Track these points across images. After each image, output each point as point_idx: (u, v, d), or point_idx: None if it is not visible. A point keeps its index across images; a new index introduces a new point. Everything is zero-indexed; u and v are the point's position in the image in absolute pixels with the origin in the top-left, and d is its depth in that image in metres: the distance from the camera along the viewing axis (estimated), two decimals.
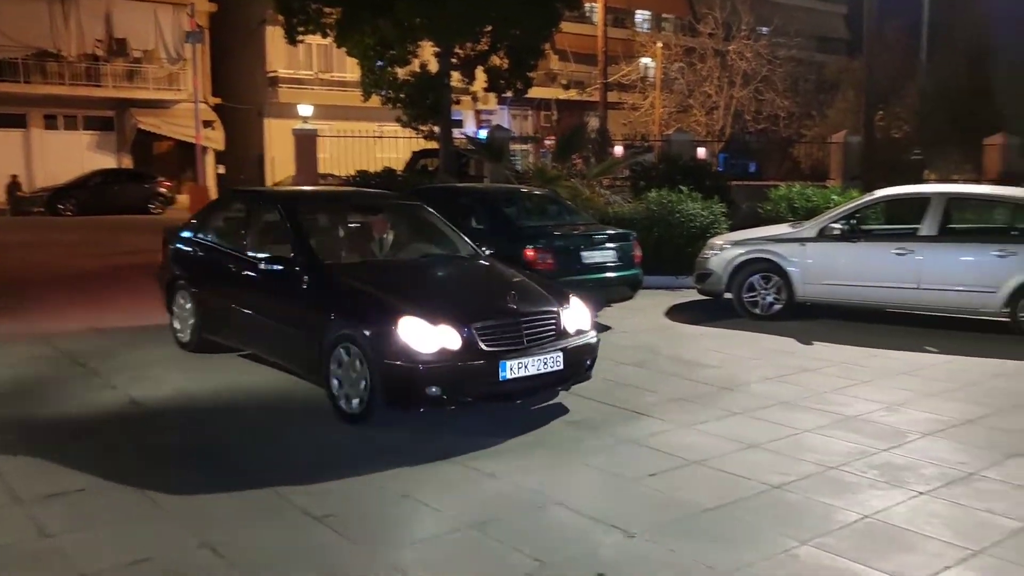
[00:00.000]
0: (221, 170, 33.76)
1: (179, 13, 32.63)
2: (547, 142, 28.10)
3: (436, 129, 17.88)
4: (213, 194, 25.91)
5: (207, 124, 31.63)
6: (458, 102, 18.42)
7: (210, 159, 32.54)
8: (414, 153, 23.20)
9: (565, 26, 21.28)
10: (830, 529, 4.42)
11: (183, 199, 29.08)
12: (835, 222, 9.99)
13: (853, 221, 10.03)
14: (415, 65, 17.59)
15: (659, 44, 37.97)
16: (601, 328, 7.87)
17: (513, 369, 5.77)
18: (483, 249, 7.68)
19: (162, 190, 30.06)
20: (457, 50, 17.45)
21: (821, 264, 9.94)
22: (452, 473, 5.14)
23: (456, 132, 20.13)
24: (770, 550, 4.17)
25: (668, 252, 12.69)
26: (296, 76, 35.37)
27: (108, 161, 32.22)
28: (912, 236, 9.59)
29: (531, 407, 6.39)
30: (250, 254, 7.18)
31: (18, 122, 31.38)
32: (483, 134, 21.77)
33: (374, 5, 15.73)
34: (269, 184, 29.37)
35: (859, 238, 9.90)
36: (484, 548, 4.18)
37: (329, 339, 6.00)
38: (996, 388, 7.30)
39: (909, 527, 4.46)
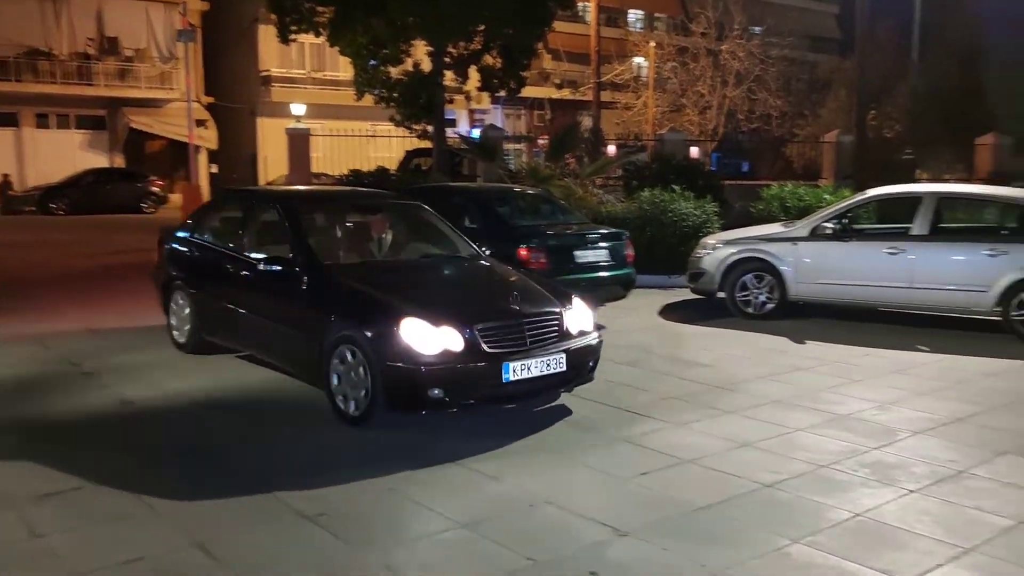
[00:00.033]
0: (214, 169, 33.72)
1: (171, 12, 32.56)
2: (540, 141, 28.17)
3: (429, 128, 17.88)
4: (206, 193, 25.86)
5: (200, 123, 31.54)
6: (451, 101, 18.40)
7: (203, 158, 32.47)
8: (407, 152, 23.21)
9: (558, 25, 21.24)
10: (821, 527, 4.44)
11: (176, 198, 28.97)
12: (827, 221, 10.01)
13: (845, 220, 10.06)
14: (408, 64, 17.57)
15: (652, 43, 38.02)
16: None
17: (516, 371, 5.71)
18: (483, 249, 7.65)
19: (154, 189, 29.97)
20: (450, 49, 17.44)
21: (813, 263, 9.96)
22: (451, 474, 5.13)
23: (449, 131, 20.11)
24: (762, 548, 4.19)
25: (661, 251, 12.71)
26: (289, 75, 35.34)
27: (100, 160, 32.13)
28: (904, 235, 9.62)
29: (527, 408, 6.38)
30: (248, 254, 7.12)
31: (9, 121, 31.28)
32: (476, 133, 21.76)
33: (367, 4, 15.71)
34: (262, 183, 29.30)
35: (851, 237, 9.93)
36: (476, 547, 4.18)
37: (329, 340, 5.93)
38: (987, 387, 7.33)
39: (900, 525, 4.48)
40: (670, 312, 10.85)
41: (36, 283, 12.40)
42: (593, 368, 6.46)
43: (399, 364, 5.51)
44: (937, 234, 9.56)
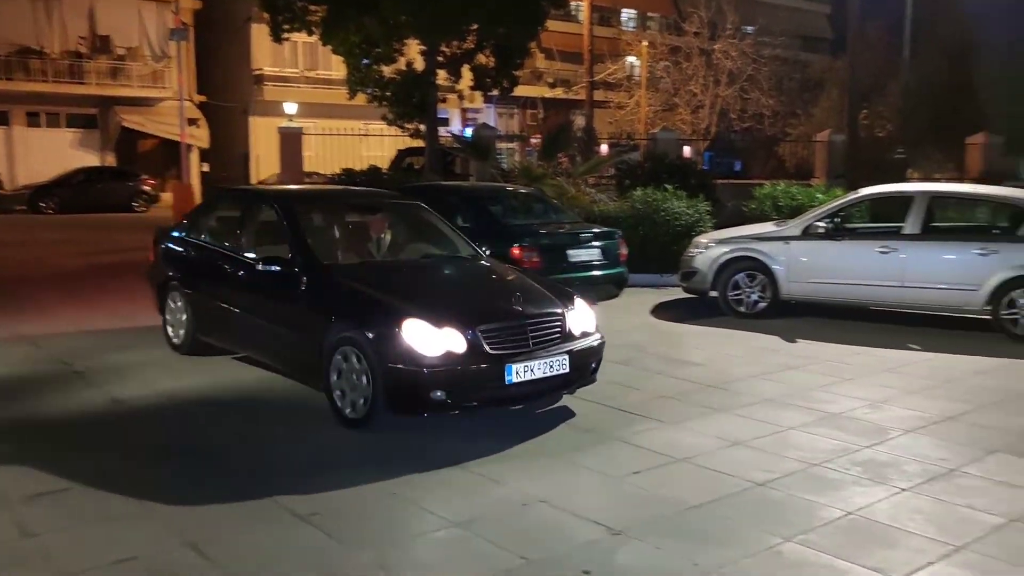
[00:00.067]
0: (206, 168, 33.60)
1: (163, 10, 32.43)
2: (533, 140, 28.14)
3: (422, 127, 17.86)
4: (198, 192, 25.76)
5: (192, 122, 31.46)
6: (444, 100, 18.42)
7: (195, 157, 32.36)
8: (400, 151, 23.18)
9: (551, 24, 21.27)
10: (813, 526, 4.45)
11: (167, 197, 28.87)
12: (819, 220, 10.04)
13: (837, 219, 10.10)
14: (401, 63, 17.56)
15: (645, 43, 38.04)
16: None
17: (519, 373, 5.64)
18: (484, 249, 7.61)
19: (146, 188, 29.89)
20: (443, 48, 17.44)
21: (806, 262, 9.98)
22: (453, 475, 5.11)
23: (442, 130, 20.12)
24: (754, 547, 4.20)
25: (653, 250, 12.73)
26: (281, 74, 35.25)
27: (91, 159, 32.01)
28: (895, 234, 9.66)
29: (524, 408, 6.37)
30: (246, 254, 7.03)
31: (0, 119, 31.13)
32: (469, 132, 21.75)
33: (359, 3, 15.70)
34: (254, 182, 29.23)
35: (843, 236, 9.97)
36: (469, 547, 4.18)
37: (330, 342, 5.85)
38: (977, 385, 7.36)
39: (892, 523, 4.49)
40: (662, 311, 10.87)
41: (27, 282, 12.34)
42: (596, 369, 6.40)
43: (401, 366, 5.44)
44: (928, 233, 9.60)
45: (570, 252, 9.61)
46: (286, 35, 17.24)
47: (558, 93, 40.19)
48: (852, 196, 10.55)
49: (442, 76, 17.81)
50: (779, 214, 13.86)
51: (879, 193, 10.65)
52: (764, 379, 7.48)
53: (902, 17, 24.09)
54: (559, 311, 6.16)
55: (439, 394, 5.46)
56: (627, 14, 46.51)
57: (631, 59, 39.50)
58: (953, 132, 23.72)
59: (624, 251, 10.23)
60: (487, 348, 5.61)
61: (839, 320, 10.08)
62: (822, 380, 7.44)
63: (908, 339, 9.10)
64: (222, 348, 7.52)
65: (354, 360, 5.70)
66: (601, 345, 6.38)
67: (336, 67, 26.38)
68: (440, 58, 17.37)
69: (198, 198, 23.94)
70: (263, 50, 33.40)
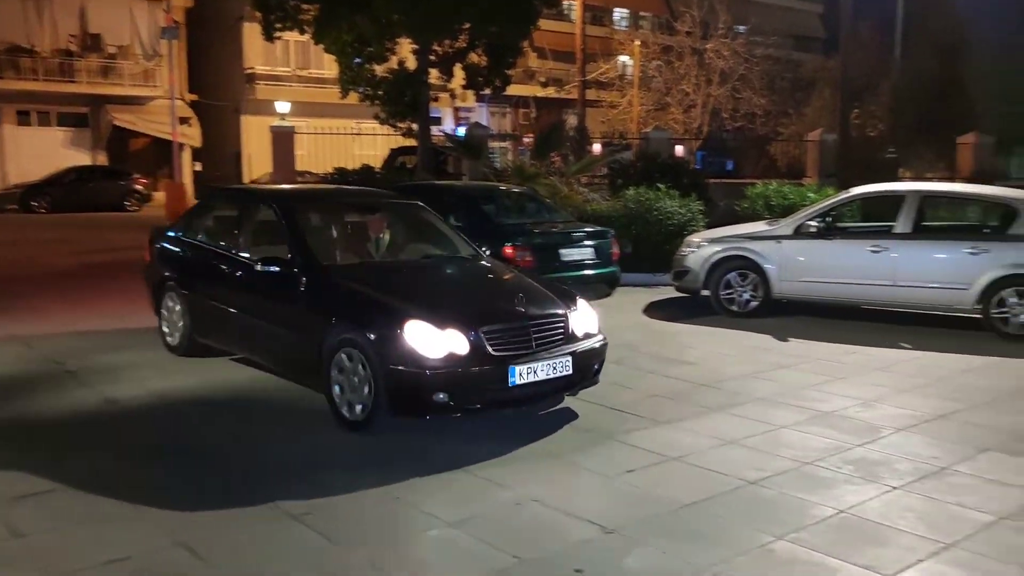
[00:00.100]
0: (198, 167, 33.55)
1: (155, 8, 32.32)
2: (526, 140, 28.17)
3: (414, 126, 17.87)
4: (190, 191, 25.74)
5: (183, 121, 31.36)
6: (436, 99, 18.46)
7: (187, 156, 32.30)
8: (392, 150, 23.15)
9: (543, 24, 21.25)
10: (805, 524, 4.47)
11: (159, 196, 28.81)
12: (811, 220, 10.07)
13: (829, 219, 10.12)
14: (393, 62, 17.55)
15: (637, 42, 38.06)
16: None
17: (522, 374, 5.58)
18: (484, 250, 7.57)
19: (138, 187, 29.80)
20: (435, 47, 17.44)
21: (797, 261, 10.01)
22: (450, 476, 5.11)
23: (434, 129, 20.12)
24: (746, 545, 4.21)
25: (646, 249, 12.75)
26: (273, 73, 35.18)
27: (83, 158, 31.88)
28: (887, 234, 9.69)
29: (526, 410, 6.35)
30: (245, 254, 6.97)
31: None
32: (461, 131, 21.75)
33: (351, 2, 15.69)
34: (246, 181, 29.18)
35: (835, 235, 9.99)
36: (462, 546, 4.19)
37: (330, 343, 5.78)
38: (968, 384, 7.39)
39: (883, 521, 4.51)
40: (655, 310, 10.88)
41: (18, 281, 12.29)
42: (598, 371, 6.34)
43: (403, 367, 5.37)
44: (920, 232, 9.64)
45: (563, 251, 9.62)
46: (278, 34, 17.23)
47: (550, 92, 40.17)
48: (843, 195, 10.58)
49: (434, 75, 17.82)
50: (771, 213, 13.90)
51: (870, 192, 10.69)
52: (756, 378, 7.50)
53: (894, 16, 24.16)
54: (562, 312, 6.12)
55: (442, 396, 5.40)
56: (619, 13, 46.54)
57: (623, 58, 39.53)
58: (944, 130, 23.82)
59: (616, 250, 10.24)
60: (490, 350, 5.55)
61: (831, 319, 10.11)
62: (814, 379, 7.47)
63: (899, 338, 9.14)
64: (219, 349, 7.46)
65: (355, 362, 5.63)
66: (604, 346, 6.33)
67: (328, 66, 26.33)
68: (432, 57, 17.36)
69: (190, 197, 23.91)
70: (255, 49, 33.35)
